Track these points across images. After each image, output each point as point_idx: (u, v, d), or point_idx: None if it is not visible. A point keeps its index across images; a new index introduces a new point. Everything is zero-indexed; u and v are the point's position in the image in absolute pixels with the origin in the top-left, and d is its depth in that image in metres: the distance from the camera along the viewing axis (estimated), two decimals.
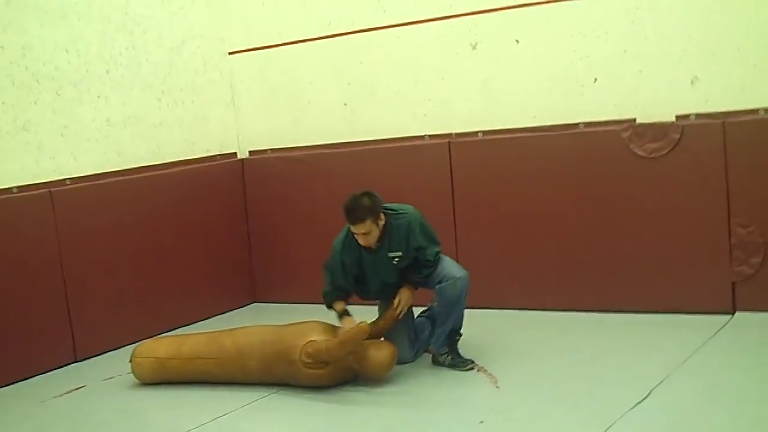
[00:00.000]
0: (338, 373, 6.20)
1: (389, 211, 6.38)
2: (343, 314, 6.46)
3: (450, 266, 6.45)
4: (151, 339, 6.95)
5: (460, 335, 6.55)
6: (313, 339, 6.14)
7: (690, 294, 7.06)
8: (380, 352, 6.15)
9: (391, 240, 6.34)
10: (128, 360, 6.77)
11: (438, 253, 6.42)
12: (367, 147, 8.32)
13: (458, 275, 6.38)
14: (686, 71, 7.05)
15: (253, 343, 6.38)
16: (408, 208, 6.45)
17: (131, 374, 6.78)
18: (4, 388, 6.99)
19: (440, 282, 6.39)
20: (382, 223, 6.29)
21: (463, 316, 6.53)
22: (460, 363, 6.42)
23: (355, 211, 6.22)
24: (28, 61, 7.47)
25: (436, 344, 6.54)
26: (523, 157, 7.62)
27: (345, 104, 8.50)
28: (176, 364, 6.59)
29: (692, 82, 7.02)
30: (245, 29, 8.98)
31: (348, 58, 8.46)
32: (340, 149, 8.49)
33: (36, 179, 7.43)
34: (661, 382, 5.72)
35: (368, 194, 6.28)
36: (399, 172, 8.04)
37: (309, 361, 6.10)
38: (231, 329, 6.72)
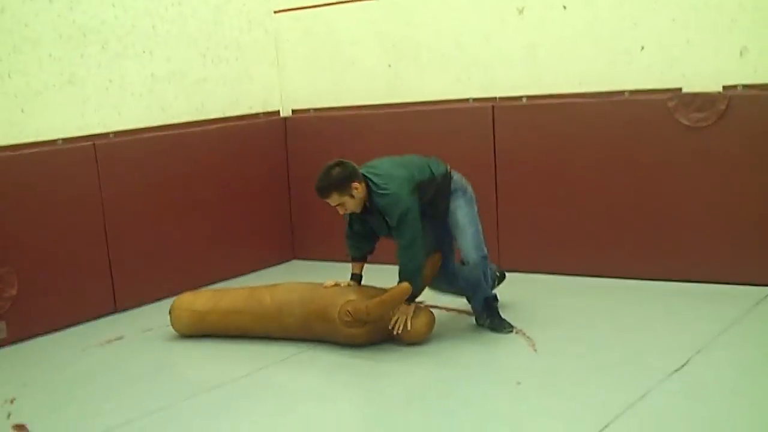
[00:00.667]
0: (375, 332, 6.21)
1: (373, 181, 6.16)
2: (352, 278, 6.48)
3: (468, 244, 6.30)
4: (190, 292, 6.98)
5: (497, 300, 6.54)
6: (351, 298, 6.16)
7: (732, 265, 7.01)
8: (416, 320, 6.17)
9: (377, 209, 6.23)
10: (167, 312, 6.82)
11: (406, 252, 6.12)
12: (410, 109, 8.28)
13: (471, 260, 6.26)
14: (735, 41, 6.95)
15: (292, 300, 6.40)
16: (393, 182, 6.12)
17: (170, 326, 6.84)
18: (46, 335, 7.08)
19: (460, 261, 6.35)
20: (358, 192, 6.11)
21: (489, 287, 6.51)
22: (499, 326, 6.42)
23: (320, 188, 6.15)
24: (76, 14, 7.49)
25: (475, 312, 6.55)
26: (567, 124, 7.57)
27: (389, 65, 8.47)
28: (215, 317, 6.63)
29: (741, 53, 6.93)
30: None
31: (393, 19, 8.43)
32: (382, 110, 8.46)
33: (80, 132, 7.49)
34: (699, 351, 5.69)
35: (338, 165, 6.14)
36: (441, 134, 8.01)
37: (348, 320, 6.11)
38: (270, 285, 6.74)
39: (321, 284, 6.43)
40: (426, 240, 6.27)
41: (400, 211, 6.07)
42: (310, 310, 6.30)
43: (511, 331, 6.35)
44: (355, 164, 6.20)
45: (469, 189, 6.48)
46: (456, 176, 6.44)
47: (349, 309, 6.10)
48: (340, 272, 6.58)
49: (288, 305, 6.40)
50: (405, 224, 6.08)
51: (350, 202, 6.16)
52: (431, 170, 6.30)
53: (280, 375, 6.01)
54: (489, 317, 6.47)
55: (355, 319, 6.10)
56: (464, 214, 6.36)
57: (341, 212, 6.25)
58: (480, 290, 6.40)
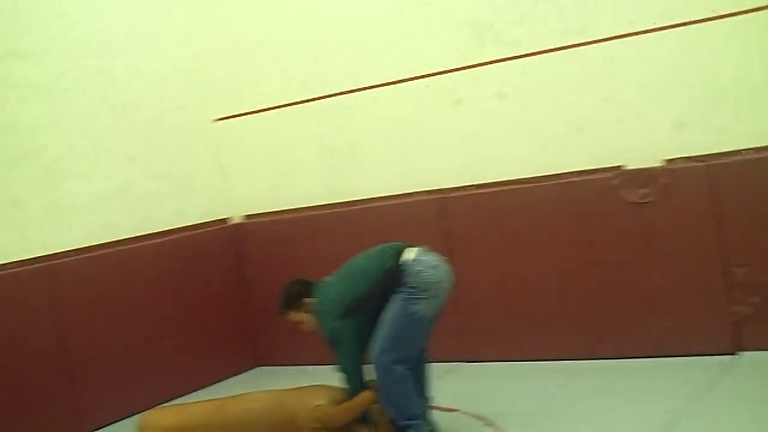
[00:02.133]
0: None
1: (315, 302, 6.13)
2: None
3: (376, 344, 5.94)
4: (155, 409, 6.85)
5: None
6: (318, 404, 6.10)
7: (691, 336, 7.08)
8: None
9: None
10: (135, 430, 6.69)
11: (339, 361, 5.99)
12: (358, 207, 8.32)
13: (372, 360, 5.95)
14: (668, 115, 7.14)
15: (258, 409, 6.31)
16: (321, 307, 6.02)
17: None
18: None
19: None
20: (306, 312, 6.15)
21: (399, 407, 5.96)
22: None
23: (278, 308, 6.26)
24: (13, 139, 7.48)
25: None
26: (514, 210, 7.66)
27: (331, 166, 8.54)
28: None
29: (675, 125, 7.10)
30: (227, 97, 9.04)
31: (329, 121, 8.52)
32: (331, 209, 8.51)
33: (27, 255, 7.40)
34: (669, 431, 5.70)
35: (293, 284, 6.26)
36: (391, 230, 7.96)
37: (317, 426, 6.05)
38: (235, 396, 6.65)
39: (287, 391, 6.35)
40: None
41: (325, 336, 6.00)
42: (278, 417, 6.20)
43: None
44: (310, 282, 6.21)
45: (427, 280, 5.89)
46: (417, 267, 5.91)
47: (317, 415, 6.05)
48: (306, 376, 6.54)
49: (255, 415, 6.30)
50: (334, 347, 5.98)
51: (307, 318, 6.16)
52: (373, 279, 5.99)
53: None
54: None
55: (324, 426, 6.04)
56: (389, 313, 5.91)
57: (305, 329, 6.23)
58: (391, 403, 5.99)
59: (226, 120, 9.05)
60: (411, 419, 5.95)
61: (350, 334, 5.90)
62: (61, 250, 7.64)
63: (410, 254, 6.00)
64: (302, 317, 6.18)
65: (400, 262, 5.97)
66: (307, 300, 6.13)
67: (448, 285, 6.06)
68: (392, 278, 5.94)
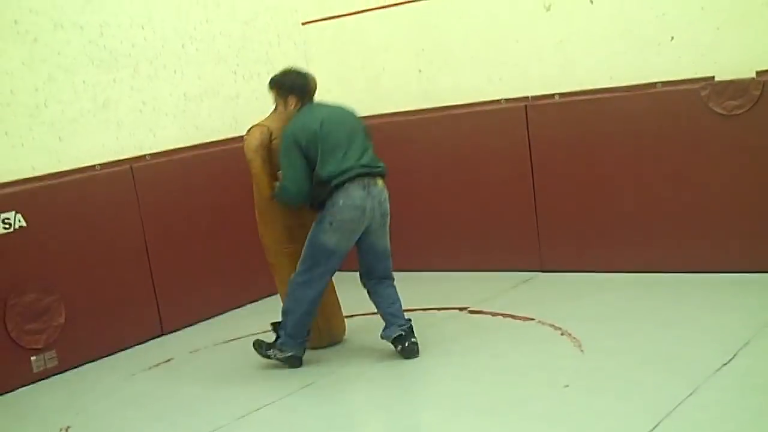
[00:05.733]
0: None
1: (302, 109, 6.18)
2: None
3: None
4: None
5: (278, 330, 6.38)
6: None
7: None
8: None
9: None
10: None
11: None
12: (444, 113, 8.21)
13: None
14: (766, 27, 6.89)
15: None
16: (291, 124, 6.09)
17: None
18: (94, 362, 7.12)
19: None
20: (288, 107, 6.19)
21: (293, 317, 6.24)
22: (260, 349, 6.42)
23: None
24: (106, 39, 7.57)
25: None
26: (601, 119, 7.52)
27: (420, 71, 8.46)
28: None
29: None
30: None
31: (421, 24, 8.43)
32: (416, 116, 8.40)
33: (117, 156, 7.53)
34: (746, 343, 5.65)
35: (299, 74, 6.32)
36: (476, 136, 8.00)
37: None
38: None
39: None
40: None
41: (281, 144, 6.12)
42: None
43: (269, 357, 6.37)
44: (312, 86, 6.27)
45: (343, 215, 6.02)
46: (341, 198, 6.01)
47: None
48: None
49: None
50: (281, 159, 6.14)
51: (279, 109, 6.26)
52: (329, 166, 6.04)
53: (330, 389, 6.01)
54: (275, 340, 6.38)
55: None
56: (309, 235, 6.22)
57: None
58: (285, 309, 6.30)
59: (316, 23, 8.99)
60: (289, 336, 6.23)
61: (290, 156, 6.04)
62: (149, 152, 7.75)
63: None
64: (277, 105, 6.27)
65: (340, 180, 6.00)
66: (291, 98, 6.18)
67: (367, 222, 6.08)
68: (322, 189, 6.03)
